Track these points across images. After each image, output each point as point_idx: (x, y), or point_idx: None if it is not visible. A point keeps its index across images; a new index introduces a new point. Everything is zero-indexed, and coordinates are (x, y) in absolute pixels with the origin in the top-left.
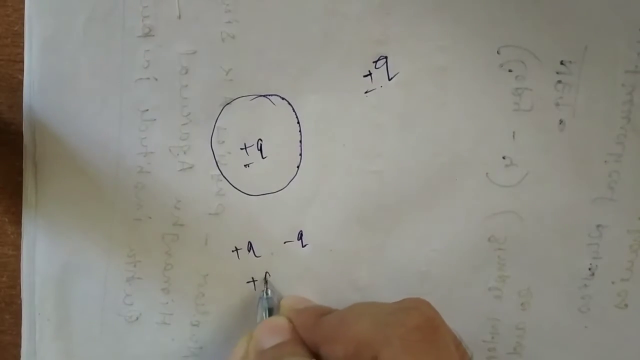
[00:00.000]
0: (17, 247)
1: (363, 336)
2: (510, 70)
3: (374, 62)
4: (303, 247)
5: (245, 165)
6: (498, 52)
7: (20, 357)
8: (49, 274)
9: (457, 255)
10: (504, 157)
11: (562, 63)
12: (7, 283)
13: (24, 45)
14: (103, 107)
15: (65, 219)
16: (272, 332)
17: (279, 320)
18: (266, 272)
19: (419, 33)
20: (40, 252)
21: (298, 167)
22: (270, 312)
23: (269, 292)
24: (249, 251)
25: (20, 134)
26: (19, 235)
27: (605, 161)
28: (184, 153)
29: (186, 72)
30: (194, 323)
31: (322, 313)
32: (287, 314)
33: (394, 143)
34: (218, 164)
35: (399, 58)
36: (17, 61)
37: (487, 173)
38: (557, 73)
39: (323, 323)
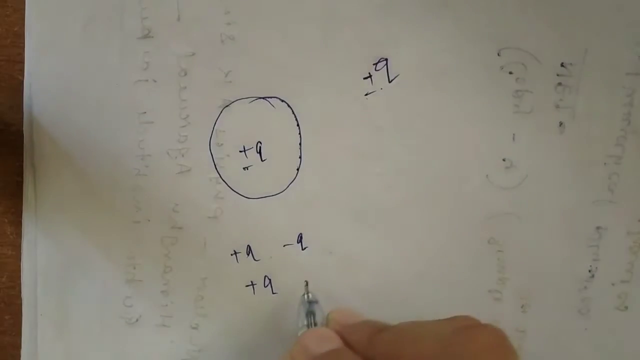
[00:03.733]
0: (17, 248)
1: (429, 354)
2: (510, 73)
3: (374, 64)
4: (303, 250)
5: (244, 168)
6: (498, 54)
7: (19, 357)
8: (50, 274)
9: (457, 257)
10: (504, 159)
11: (562, 65)
12: (7, 283)
13: (24, 46)
14: (101, 109)
15: (65, 220)
16: (322, 339)
17: (327, 331)
18: (306, 281)
19: (419, 35)
20: (41, 252)
21: (298, 169)
22: (311, 315)
23: (310, 296)
24: (248, 255)
25: (20, 135)
26: (18, 235)
27: (605, 163)
28: (182, 156)
29: (185, 74)
30: (193, 326)
31: (375, 329)
32: (337, 328)
33: (394, 145)
34: (217, 167)
35: (400, 60)
36: (17, 62)
37: (487, 175)
38: (557, 75)
39: (380, 341)
